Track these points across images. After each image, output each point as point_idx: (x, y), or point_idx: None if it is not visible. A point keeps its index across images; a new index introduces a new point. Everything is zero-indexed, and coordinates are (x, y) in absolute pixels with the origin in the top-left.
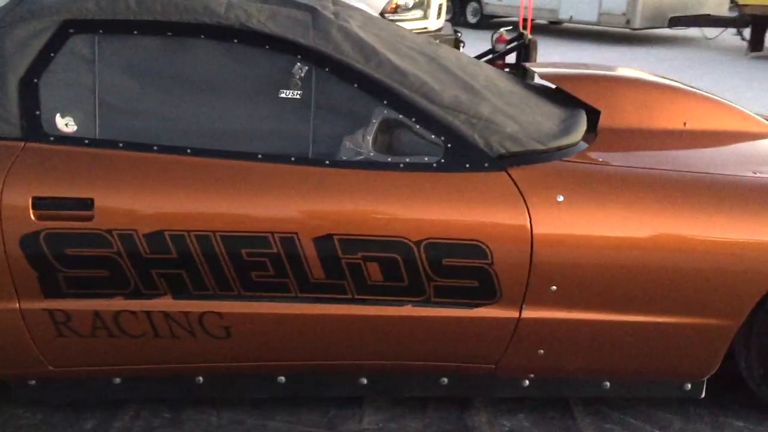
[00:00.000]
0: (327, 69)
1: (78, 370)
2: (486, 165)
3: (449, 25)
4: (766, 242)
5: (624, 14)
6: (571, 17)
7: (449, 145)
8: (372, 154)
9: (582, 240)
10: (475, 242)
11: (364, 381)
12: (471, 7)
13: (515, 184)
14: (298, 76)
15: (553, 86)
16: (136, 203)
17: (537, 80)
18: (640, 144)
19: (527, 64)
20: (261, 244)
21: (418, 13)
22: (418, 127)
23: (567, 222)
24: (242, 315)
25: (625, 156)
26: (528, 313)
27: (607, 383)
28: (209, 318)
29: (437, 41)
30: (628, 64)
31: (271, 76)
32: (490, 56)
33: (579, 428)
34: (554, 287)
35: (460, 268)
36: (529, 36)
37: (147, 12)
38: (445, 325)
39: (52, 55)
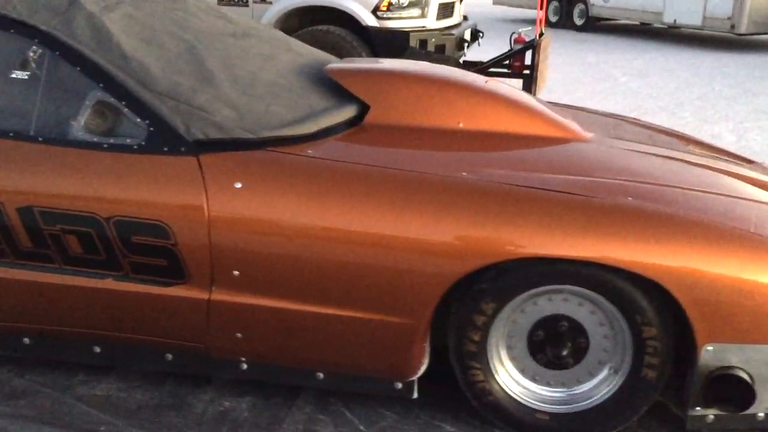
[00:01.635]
0: (58, 53)
1: None
2: (182, 149)
3: (474, 24)
4: (445, 242)
5: (729, 18)
6: (675, 21)
7: (152, 129)
8: (81, 133)
9: (259, 227)
10: (157, 222)
11: (98, 350)
12: (578, 9)
13: (201, 169)
14: (32, 58)
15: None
16: None
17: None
18: (390, 141)
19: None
20: None
21: (416, 11)
22: (127, 110)
23: (243, 209)
24: None
25: (356, 151)
26: (217, 296)
27: (321, 374)
28: None
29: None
30: (727, 69)
31: (10, 58)
32: (508, 55)
33: (288, 415)
34: (236, 272)
35: (148, 247)
36: (539, 38)
37: None
38: (145, 301)
39: None
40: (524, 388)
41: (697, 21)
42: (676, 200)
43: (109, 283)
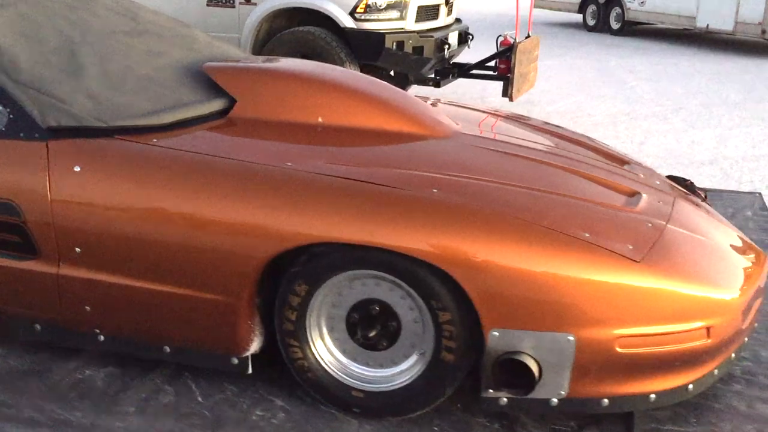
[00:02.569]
0: None
1: None
2: (36, 135)
3: (465, 26)
4: (256, 226)
5: (760, 24)
6: (708, 26)
7: (11, 116)
8: None
9: (95, 208)
10: (9, 201)
11: None
12: (614, 13)
13: (47, 153)
14: None
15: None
16: None
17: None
18: (242, 133)
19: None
20: None
21: (394, 14)
22: None
23: (81, 191)
24: None
25: (202, 141)
26: (64, 271)
27: (168, 348)
28: None
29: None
30: (747, 76)
31: None
32: (490, 57)
33: (136, 385)
34: (78, 249)
35: (3, 224)
36: (516, 41)
37: None
38: (6, 274)
39: None
40: (343, 366)
41: (728, 26)
42: (483, 194)
43: None
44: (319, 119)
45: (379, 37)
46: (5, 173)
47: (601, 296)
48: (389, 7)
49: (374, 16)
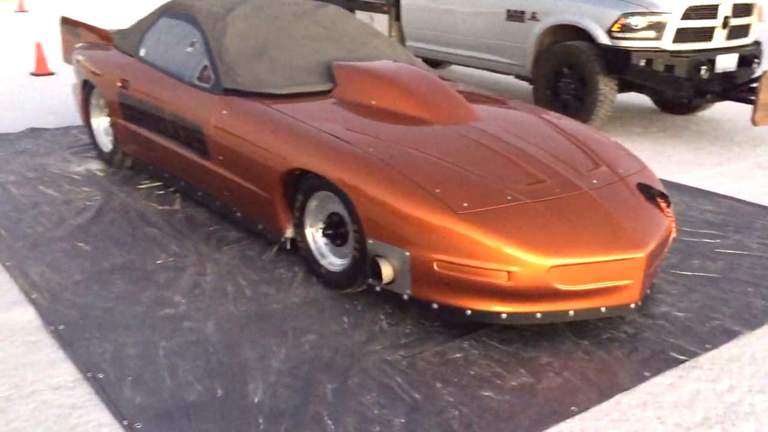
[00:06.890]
0: (203, 40)
1: None
2: (219, 91)
3: (753, 50)
4: (278, 154)
5: None
6: None
7: (214, 81)
8: (195, 81)
9: (228, 135)
10: (198, 126)
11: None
12: None
13: (219, 102)
14: (194, 42)
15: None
16: None
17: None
18: (323, 105)
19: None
20: None
21: (651, 33)
22: (210, 67)
23: (226, 124)
24: None
25: (293, 107)
26: (216, 168)
27: (260, 225)
28: None
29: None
30: None
31: (185, 38)
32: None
33: (249, 248)
34: (221, 156)
35: (196, 139)
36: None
37: None
38: (196, 168)
39: None
40: (319, 250)
41: None
42: (398, 157)
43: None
44: (373, 102)
45: (625, 53)
46: (202, 110)
47: (426, 229)
48: (648, 27)
49: (629, 35)
